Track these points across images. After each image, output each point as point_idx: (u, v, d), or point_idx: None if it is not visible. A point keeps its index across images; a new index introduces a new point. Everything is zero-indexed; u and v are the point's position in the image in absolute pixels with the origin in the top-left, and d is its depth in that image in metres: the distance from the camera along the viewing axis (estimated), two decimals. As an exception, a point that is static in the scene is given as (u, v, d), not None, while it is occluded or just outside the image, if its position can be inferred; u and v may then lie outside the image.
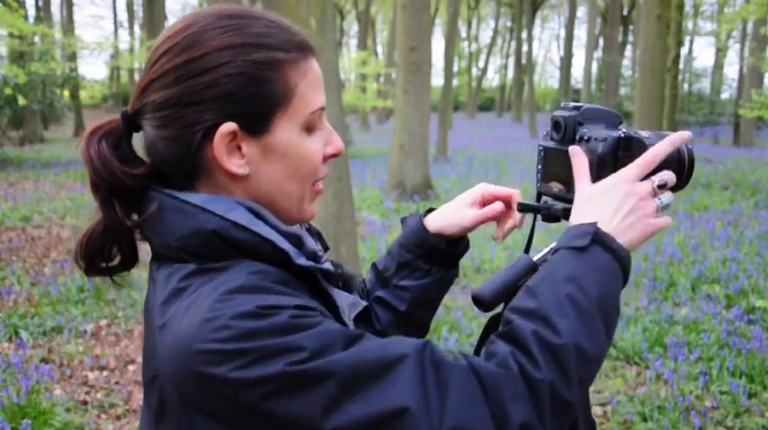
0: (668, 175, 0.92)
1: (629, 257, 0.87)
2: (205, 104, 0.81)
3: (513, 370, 0.74)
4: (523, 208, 1.09)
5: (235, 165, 0.83)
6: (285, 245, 0.82)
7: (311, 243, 0.87)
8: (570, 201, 1.05)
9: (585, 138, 1.01)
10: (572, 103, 1.06)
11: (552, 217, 1.08)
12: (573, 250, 0.85)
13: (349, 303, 0.93)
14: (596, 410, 3.56)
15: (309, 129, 0.86)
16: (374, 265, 1.15)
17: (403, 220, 1.14)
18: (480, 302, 0.99)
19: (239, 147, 0.83)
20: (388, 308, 1.11)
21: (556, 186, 1.07)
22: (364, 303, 0.96)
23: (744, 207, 9.86)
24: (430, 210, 1.13)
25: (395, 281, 1.11)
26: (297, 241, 0.85)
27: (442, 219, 1.10)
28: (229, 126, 0.81)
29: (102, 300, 5.26)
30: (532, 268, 1.04)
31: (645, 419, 3.46)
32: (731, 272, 5.91)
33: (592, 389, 3.73)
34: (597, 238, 0.85)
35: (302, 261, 0.83)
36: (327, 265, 0.85)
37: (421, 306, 1.12)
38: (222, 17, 0.83)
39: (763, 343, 4.23)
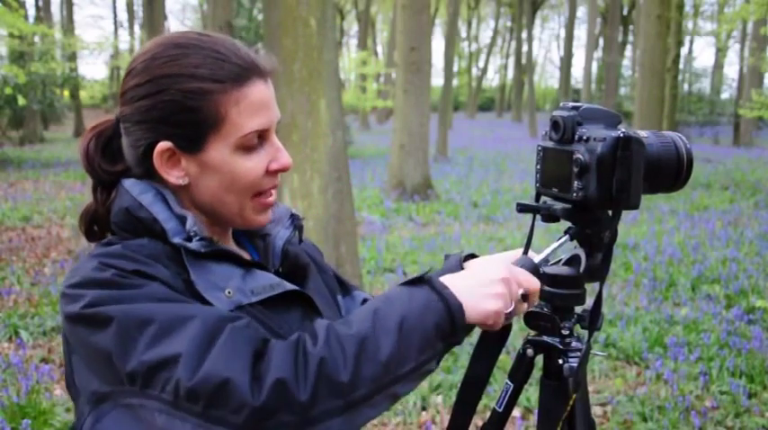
0: (532, 295, 0.98)
1: (460, 308, 0.88)
2: (147, 124, 0.95)
3: (293, 341, 0.82)
4: (523, 208, 1.09)
5: (173, 176, 0.97)
6: (168, 224, 0.95)
7: (191, 224, 0.95)
8: (569, 201, 1.05)
9: (584, 137, 1.01)
10: (571, 103, 1.06)
11: (551, 217, 1.08)
12: (403, 284, 0.91)
13: (265, 284, 0.98)
14: (596, 410, 3.56)
15: (246, 149, 0.96)
16: None
17: (447, 256, 1.23)
18: None
19: (180, 161, 0.96)
20: None
21: (555, 186, 1.07)
22: (289, 287, 0.99)
23: (744, 207, 9.86)
24: (471, 256, 1.20)
25: None
26: (183, 221, 0.96)
27: None
28: (164, 145, 0.95)
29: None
30: (532, 268, 1.04)
31: (645, 419, 3.46)
32: (731, 272, 5.91)
33: (592, 389, 3.73)
34: (429, 282, 0.90)
35: (176, 239, 0.94)
36: (194, 245, 0.94)
37: None
38: (170, 46, 0.96)
39: (763, 343, 4.23)
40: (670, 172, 1.06)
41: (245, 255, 1.06)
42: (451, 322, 0.88)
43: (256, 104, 0.96)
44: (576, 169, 1.00)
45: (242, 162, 0.96)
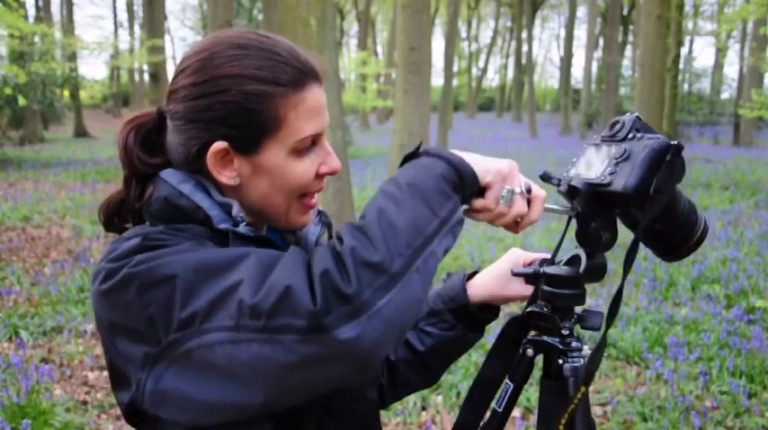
0: (535, 194, 0.97)
1: (461, 159, 0.89)
2: (202, 123, 0.94)
3: (327, 244, 0.82)
4: (545, 177, 1.07)
5: (225, 176, 0.96)
6: (213, 211, 0.94)
7: (237, 210, 0.95)
8: (597, 185, 1.03)
9: (638, 137, 1.03)
10: (636, 113, 1.09)
11: (571, 191, 1.05)
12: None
13: None
14: (596, 410, 3.56)
15: (299, 152, 0.96)
16: None
17: (448, 275, 1.25)
18: None
19: (233, 161, 0.95)
20: (407, 345, 1.22)
21: (585, 171, 1.08)
22: None
23: (744, 207, 9.86)
24: (474, 273, 1.22)
25: (421, 324, 1.22)
26: (227, 208, 0.95)
27: (486, 289, 1.20)
28: (220, 145, 0.94)
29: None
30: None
31: (645, 419, 3.46)
32: (731, 272, 5.91)
33: (592, 389, 3.73)
34: (422, 153, 0.91)
35: (223, 225, 0.93)
36: (243, 229, 0.94)
37: (438, 355, 1.23)
38: (232, 46, 0.94)
39: (763, 343, 4.23)
40: (678, 232, 1.09)
41: None
42: (457, 172, 0.87)
43: (313, 109, 0.95)
44: (617, 158, 1.01)
45: (295, 165, 0.96)
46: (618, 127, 1.07)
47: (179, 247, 0.86)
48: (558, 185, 1.07)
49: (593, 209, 1.05)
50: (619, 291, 1.03)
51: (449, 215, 0.84)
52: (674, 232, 1.09)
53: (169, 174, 0.96)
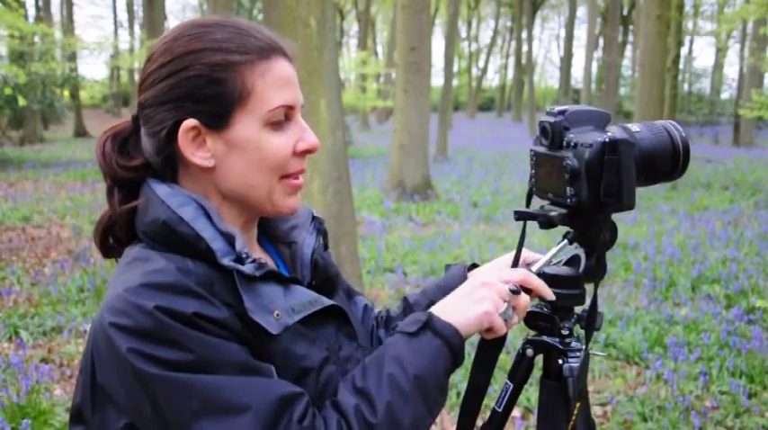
0: (525, 284, 1.00)
1: (461, 342, 0.94)
2: (170, 104, 0.92)
3: None
4: (521, 216, 1.09)
5: (199, 157, 0.93)
6: (215, 244, 0.90)
7: (241, 244, 0.92)
8: (564, 206, 1.05)
9: (572, 143, 1.01)
10: (558, 108, 1.05)
11: (549, 223, 1.08)
12: (405, 334, 0.93)
13: (305, 301, 0.96)
14: (596, 410, 3.56)
15: (274, 125, 0.93)
16: (405, 298, 1.24)
17: (447, 267, 1.26)
18: None
19: (205, 141, 0.93)
20: None
21: (550, 192, 1.07)
22: (327, 303, 0.98)
23: (744, 207, 9.86)
24: (474, 266, 1.23)
25: None
26: (230, 241, 0.91)
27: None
28: (190, 122, 0.91)
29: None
30: None
31: (645, 419, 3.46)
32: (731, 272, 5.91)
33: (592, 389, 3.73)
34: (429, 325, 0.93)
35: (225, 261, 0.89)
36: (249, 268, 0.90)
37: None
38: (194, 26, 0.94)
39: (763, 343, 4.23)
40: (666, 161, 1.06)
41: (270, 261, 1.05)
42: (455, 360, 0.93)
43: (282, 79, 0.93)
44: (567, 176, 1.00)
45: (270, 139, 0.93)
46: (549, 134, 1.04)
47: (185, 358, 0.82)
48: (536, 219, 1.08)
49: (580, 225, 1.07)
50: (592, 305, 1.06)
51: (438, 410, 0.92)
52: (661, 170, 1.07)
53: (167, 194, 0.92)
